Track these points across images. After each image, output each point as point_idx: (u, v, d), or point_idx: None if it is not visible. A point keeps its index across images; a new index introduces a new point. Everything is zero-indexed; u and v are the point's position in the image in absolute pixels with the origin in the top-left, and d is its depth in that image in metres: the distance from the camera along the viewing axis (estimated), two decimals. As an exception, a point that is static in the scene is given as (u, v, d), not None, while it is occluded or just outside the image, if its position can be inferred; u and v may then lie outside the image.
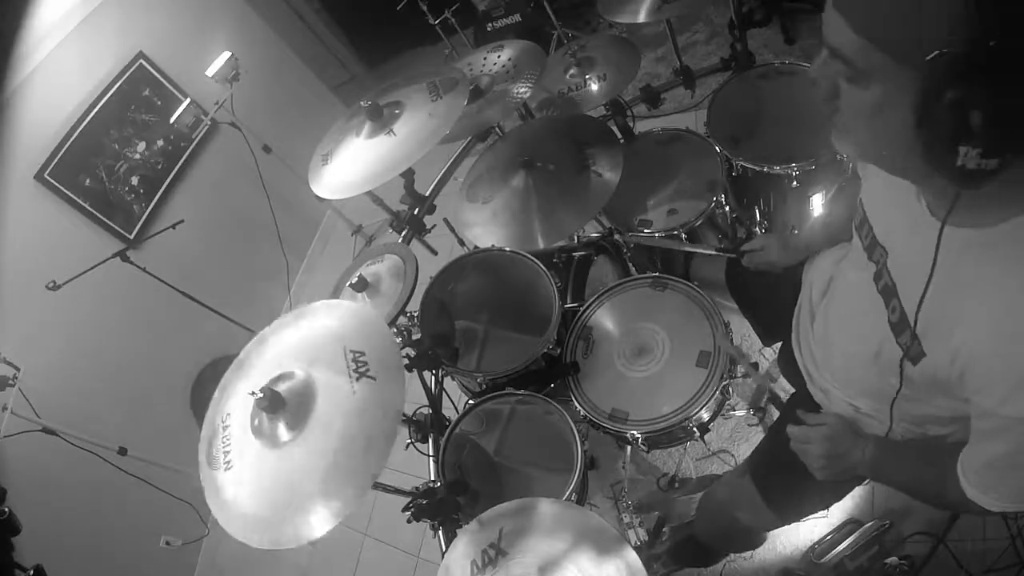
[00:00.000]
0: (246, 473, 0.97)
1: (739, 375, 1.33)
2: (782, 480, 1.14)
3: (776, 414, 1.58)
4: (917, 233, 0.71)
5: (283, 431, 0.96)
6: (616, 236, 1.63)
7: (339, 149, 1.48)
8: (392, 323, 1.45)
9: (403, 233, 1.78)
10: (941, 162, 0.54)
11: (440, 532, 1.26)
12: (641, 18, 1.62)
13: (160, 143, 2.94)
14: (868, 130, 0.62)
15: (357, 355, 0.98)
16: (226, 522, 0.93)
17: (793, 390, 1.28)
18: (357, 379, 0.95)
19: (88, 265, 2.33)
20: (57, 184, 2.52)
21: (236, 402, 1.05)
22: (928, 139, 0.54)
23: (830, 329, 0.99)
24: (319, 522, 0.86)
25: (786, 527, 1.24)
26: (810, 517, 1.64)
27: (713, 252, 1.43)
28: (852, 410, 0.97)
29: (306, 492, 0.90)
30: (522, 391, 1.37)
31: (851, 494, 1.65)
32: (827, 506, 1.22)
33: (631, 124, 1.89)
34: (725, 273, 1.40)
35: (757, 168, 1.56)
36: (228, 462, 0.99)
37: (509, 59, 1.76)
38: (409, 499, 1.20)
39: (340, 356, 0.99)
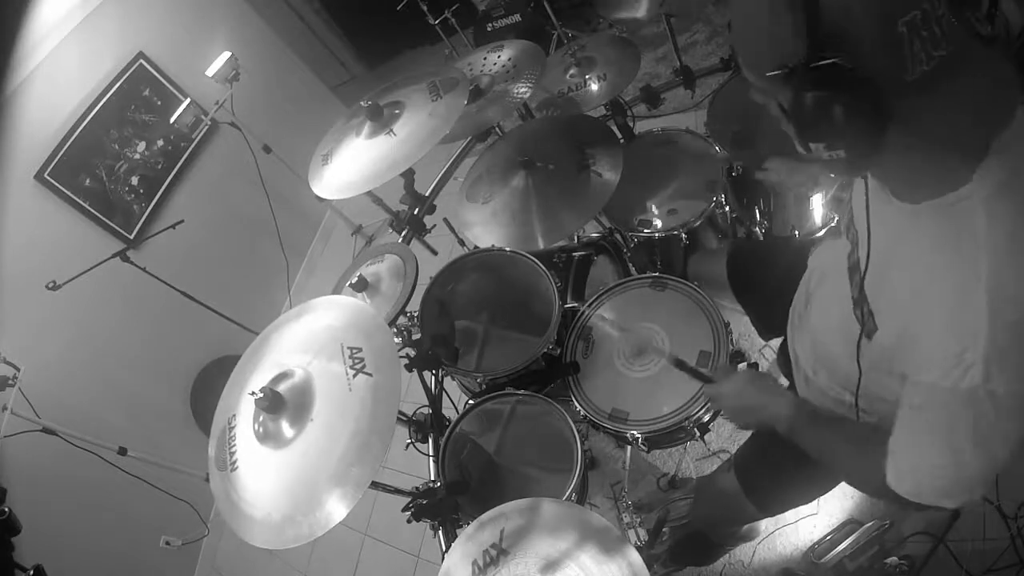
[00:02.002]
0: (251, 473, 0.97)
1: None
2: (764, 474, 1.17)
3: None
4: (882, 214, 0.75)
5: (286, 429, 0.96)
6: (616, 236, 1.63)
7: (339, 149, 1.48)
8: (392, 323, 1.46)
9: (403, 233, 1.78)
10: (813, 157, 0.65)
11: (440, 532, 1.27)
12: (641, 13, 1.62)
13: (160, 143, 2.94)
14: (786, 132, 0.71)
15: (354, 351, 0.98)
16: (233, 522, 0.94)
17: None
18: (354, 375, 0.95)
19: (88, 265, 2.33)
20: (57, 184, 2.52)
21: (241, 403, 1.06)
22: (796, 136, 0.65)
23: (813, 310, 1.01)
24: (320, 521, 0.86)
25: (786, 528, 1.24)
26: (801, 515, 1.65)
27: None
28: (829, 400, 0.98)
29: (308, 490, 0.90)
30: (522, 391, 1.37)
31: (851, 494, 1.66)
32: (810, 500, 1.24)
33: (631, 124, 1.89)
34: (727, 266, 1.41)
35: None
36: (234, 463, 0.99)
37: (509, 59, 1.76)
38: (409, 499, 1.20)
39: (338, 353, 0.99)
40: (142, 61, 2.83)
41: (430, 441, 1.48)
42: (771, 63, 0.63)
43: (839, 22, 0.57)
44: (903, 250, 0.71)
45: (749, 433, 1.85)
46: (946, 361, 0.62)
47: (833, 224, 1.67)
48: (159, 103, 2.91)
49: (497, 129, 1.87)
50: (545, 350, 1.40)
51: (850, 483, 0.94)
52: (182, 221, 2.71)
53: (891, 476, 0.72)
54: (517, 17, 3.45)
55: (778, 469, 1.13)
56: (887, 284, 0.74)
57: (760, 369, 1.68)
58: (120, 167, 2.77)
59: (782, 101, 0.65)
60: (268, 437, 0.98)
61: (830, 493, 1.18)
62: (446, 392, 1.63)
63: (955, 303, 0.62)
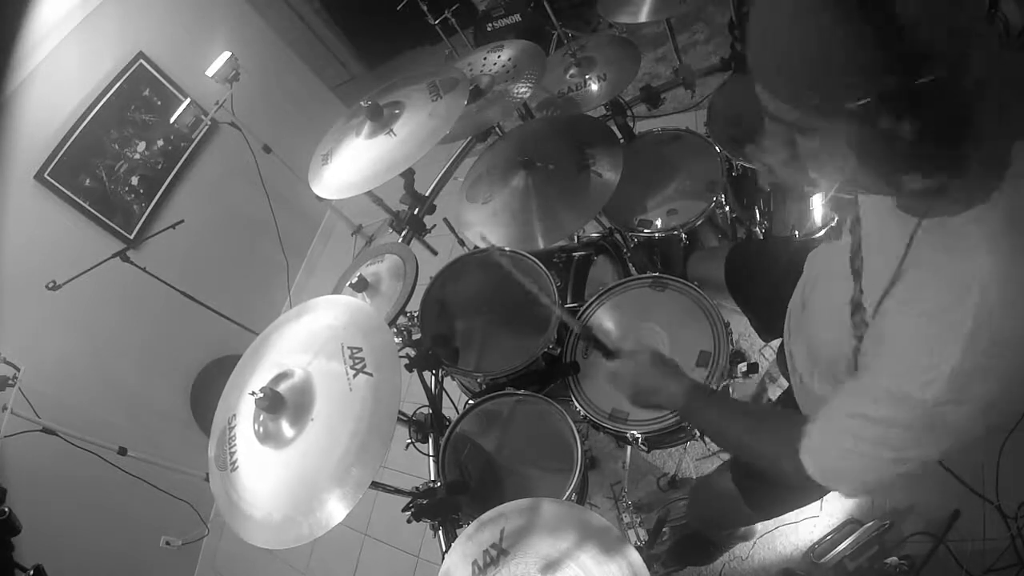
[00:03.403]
0: (251, 473, 0.98)
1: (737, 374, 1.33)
2: (759, 476, 1.14)
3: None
4: (884, 221, 0.73)
5: (286, 429, 0.96)
6: (616, 236, 1.63)
7: (339, 149, 1.48)
8: (392, 323, 1.45)
9: (403, 233, 1.78)
10: (898, 189, 0.60)
11: (440, 532, 1.26)
12: (641, 18, 1.62)
13: (160, 143, 2.94)
14: (830, 168, 0.66)
15: (354, 351, 0.98)
16: (233, 522, 0.94)
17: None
18: (354, 375, 0.95)
19: (88, 265, 2.33)
20: (57, 184, 2.52)
21: (241, 403, 1.06)
22: (876, 172, 0.60)
23: (811, 310, 1.01)
24: (320, 521, 0.86)
25: (786, 528, 1.24)
26: (802, 515, 1.65)
27: None
28: (823, 403, 0.98)
29: (308, 490, 0.90)
30: (522, 391, 1.37)
31: (851, 494, 1.66)
32: (806, 503, 1.24)
33: (631, 124, 1.89)
34: (725, 268, 1.41)
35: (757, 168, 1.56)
36: (234, 463, 0.99)
37: (509, 59, 1.76)
38: (409, 499, 1.20)
39: (338, 353, 0.99)
40: (142, 61, 2.83)
41: (430, 441, 1.48)
42: (848, 95, 0.55)
43: (924, 32, 0.51)
44: (893, 258, 0.69)
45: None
46: (912, 369, 0.63)
47: (833, 224, 1.67)
48: (159, 103, 2.91)
49: (497, 129, 1.87)
50: (545, 350, 1.40)
51: (744, 458, 0.97)
52: (182, 221, 2.71)
53: (803, 451, 0.74)
54: (517, 17, 3.45)
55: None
56: (879, 291, 0.72)
57: (760, 369, 1.68)
58: (120, 167, 2.77)
59: (835, 142, 0.58)
60: (268, 437, 0.98)
61: (831, 493, 1.18)
62: (446, 392, 1.63)
63: (939, 319, 0.61)
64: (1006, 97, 0.57)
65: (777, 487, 1.15)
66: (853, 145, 0.59)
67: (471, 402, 1.42)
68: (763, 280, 1.30)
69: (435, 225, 1.83)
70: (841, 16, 0.52)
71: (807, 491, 1.18)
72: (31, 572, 1.21)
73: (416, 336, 1.55)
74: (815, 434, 0.74)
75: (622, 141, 1.75)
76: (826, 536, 1.62)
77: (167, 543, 2.50)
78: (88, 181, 2.65)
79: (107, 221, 2.71)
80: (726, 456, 1.87)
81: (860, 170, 0.61)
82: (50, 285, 2.20)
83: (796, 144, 0.67)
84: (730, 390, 1.29)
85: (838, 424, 0.72)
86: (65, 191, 2.55)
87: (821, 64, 0.56)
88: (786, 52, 0.59)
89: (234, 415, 1.06)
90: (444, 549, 1.20)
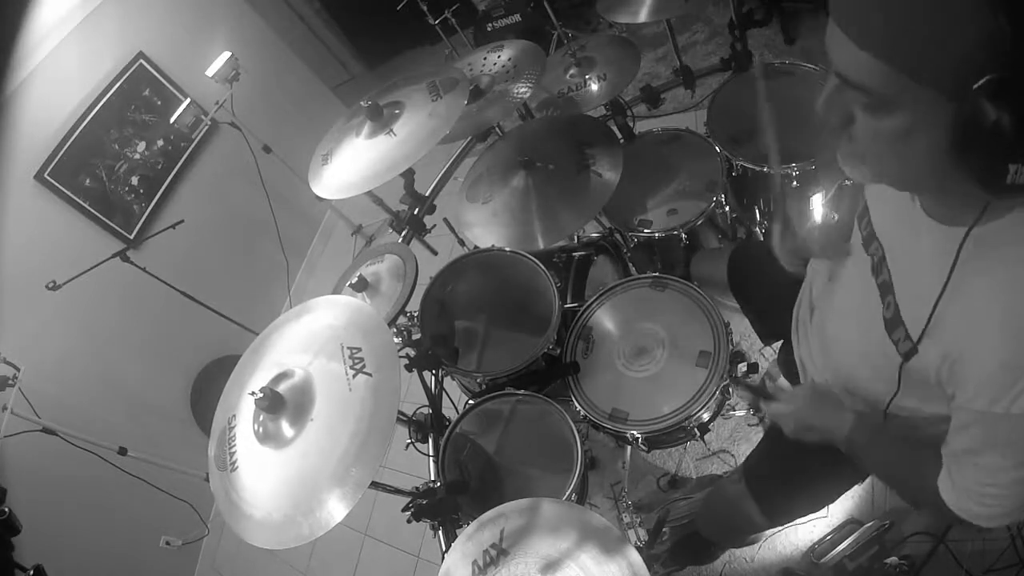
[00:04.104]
0: (251, 473, 0.98)
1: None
2: (775, 485, 1.16)
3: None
4: (916, 232, 0.71)
5: (286, 429, 0.96)
6: (616, 236, 1.63)
7: (339, 149, 1.48)
8: (392, 323, 1.46)
9: (403, 233, 1.78)
10: (989, 181, 0.52)
11: (440, 532, 1.27)
12: (641, 18, 1.62)
13: (160, 143, 2.94)
14: (892, 155, 0.60)
15: (354, 351, 0.98)
16: (233, 522, 0.94)
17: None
18: (354, 375, 0.95)
19: (88, 265, 2.33)
20: (57, 184, 2.52)
21: (241, 403, 1.06)
22: (972, 161, 0.53)
23: (828, 322, 0.99)
24: (320, 521, 0.86)
25: (786, 528, 1.24)
26: (810, 517, 1.65)
27: None
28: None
29: (308, 490, 0.90)
30: (522, 391, 1.37)
31: (851, 494, 1.66)
32: (818, 509, 1.23)
33: (631, 124, 1.89)
34: (727, 269, 1.40)
35: (757, 168, 1.56)
36: (234, 463, 0.99)
37: (509, 59, 1.76)
38: (409, 499, 1.20)
39: (338, 353, 0.99)
40: (142, 61, 2.83)
41: (430, 441, 1.48)
42: (967, 69, 0.48)
43: None
44: (936, 270, 0.66)
45: (749, 433, 1.87)
46: (998, 387, 0.61)
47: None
48: (159, 103, 2.91)
49: (497, 129, 1.87)
50: (545, 350, 1.40)
51: (903, 498, 0.92)
52: (182, 221, 2.71)
53: (943, 491, 0.73)
54: (517, 17, 3.45)
55: (790, 479, 1.12)
56: (921, 305, 0.69)
57: (760, 369, 1.68)
58: (120, 167, 2.77)
59: (969, 116, 0.50)
60: (268, 437, 0.98)
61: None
62: (446, 392, 1.63)
63: (1013, 330, 0.59)
64: None
65: (793, 496, 1.14)
66: (948, 129, 0.52)
67: (471, 402, 1.42)
68: (766, 281, 1.30)
69: (435, 225, 1.83)
70: None
71: (822, 500, 1.18)
72: (31, 572, 1.21)
73: (416, 336, 1.54)
74: (947, 480, 0.73)
75: (622, 141, 1.75)
76: (826, 536, 1.62)
77: (167, 543, 2.50)
78: (88, 181, 2.64)
79: (107, 221, 2.71)
80: (726, 456, 1.87)
81: (943, 159, 0.54)
82: (50, 285, 2.20)
83: (852, 123, 0.60)
84: (730, 390, 1.29)
85: (959, 469, 0.71)
86: (65, 191, 2.55)
87: (950, 26, 0.47)
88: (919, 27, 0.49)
89: (234, 415, 1.06)
90: (444, 549, 1.20)
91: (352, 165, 1.42)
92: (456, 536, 1.08)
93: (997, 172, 0.51)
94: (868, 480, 1.23)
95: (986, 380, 0.62)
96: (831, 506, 1.67)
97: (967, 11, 0.47)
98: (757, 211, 1.76)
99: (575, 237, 1.86)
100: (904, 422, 0.84)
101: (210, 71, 2.86)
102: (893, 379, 0.77)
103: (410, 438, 1.49)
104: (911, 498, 0.87)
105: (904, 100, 0.53)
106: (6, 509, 1.18)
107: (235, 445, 1.02)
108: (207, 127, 3.07)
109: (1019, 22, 0.45)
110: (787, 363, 1.23)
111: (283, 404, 0.97)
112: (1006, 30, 0.46)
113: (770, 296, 1.28)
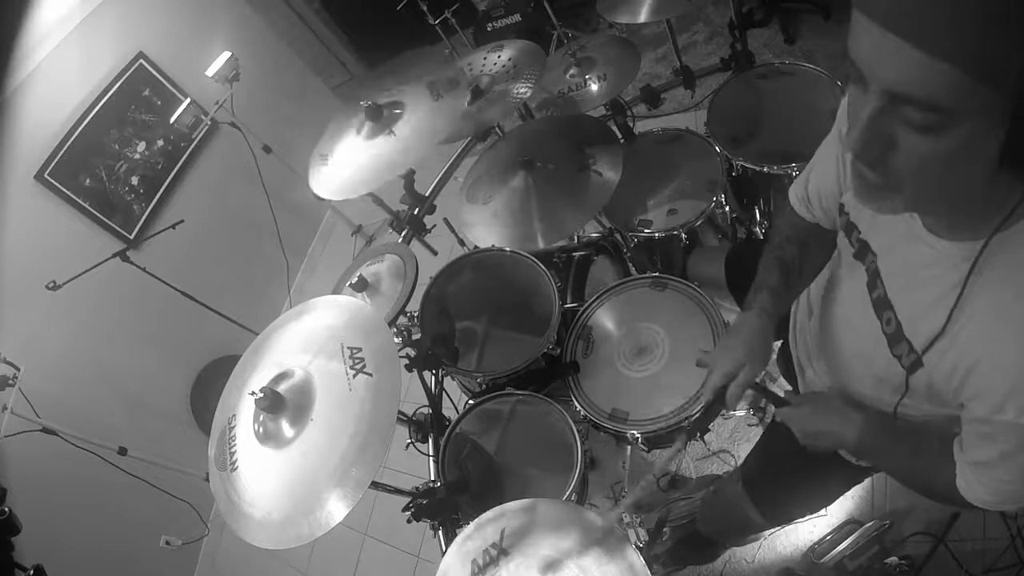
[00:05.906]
0: (251, 474, 0.98)
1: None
2: (772, 485, 1.16)
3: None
4: (914, 246, 0.69)
5: (286, 429, 0.96)
6: (616, 236, 1.63)
7: (339, 149, 1.48)
8: (392, 323, 1.45)
9: (403, 233, 1.78)
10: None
11: (440, 532, 1.27)
12: (641, 18, 1.62)
13: (160, 143, 2.94)
14: (937, 178, 0.53)
15: (354, 351, 0.98)
16: (233, 522, 0.94)
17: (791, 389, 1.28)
18: (354, 375, 0.95)
19: (88, 265, 2.33)
20: (57, 184, 2.52)
21: (241, 403, 1.06)
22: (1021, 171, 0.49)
23: (829, 331, 0.98)
24: (320, 521, 0.86)
25: (787, 527, 1.24)
26: (809, 517, 1.65)
27: None
28: None
29: (308, 490, 0.90)
30: (522, 391, 1.37)
31: (851, 495, 1.66)
32: (817, 510, 1.23)
33: (631, 124, 1.89)
34: (725, 267, 1.40)
35: (757, 168, 1.56)
36: (234, 463, 0.99)
37: (509, 59, 1.76)
38: (409, 499, 1.20)
39: (338, 353, 0.99)
40: (142, 61, 2.83)
41: (430, 441, 1.48)
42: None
43: None
44: (940, 283, 0.65)
45: (749, 433, 1.87)
46: (1019, 397, 0.60)
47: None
48: (159, 103, 2.91)
49: (497, 129, 1.87)
50: (545, 350, 1.40)
51: (926, 494, 0.90)
52: (182, 221, 2.71)
53: (962, 486, 0.73)
54: (517, 17, 3.45)
55: (786, 481, 1.13)
56: (926, 320, 0.68)
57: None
58: (120, 167, 2.77)
59: (981, 139, 0.47)
60: (268, 437, 0.98)
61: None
62: (446, 392, 1.63)
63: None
64: None
65: (790, 496, 1.15)
66: (1003, 134, 0.47)
67: (471, 402, 1.42)
68: None
69: (435, 225, 1.83)
70: None
71: (820, 500, 1.18)
72: (31, 572, 1.21)
73: (416, 336, 1.54)
74: (962, 480, 0.74)
75: (622, 141, 1.75)
76: (826, 536, 1.62)
77: (167, 543, 2.50)
78: (88, 181, 2.65)
79: (107, 221, 2.71)
80: (726, 456, 1.87)
81: (989, 170, 0.50)
82: (50, 285, 2.20)
83: (893, 148, 0.52)
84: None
85: (980, 474, 0.71)
86: (65, 191, 2.55)
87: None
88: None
89: (234, 415, 1.06)
90: (444, 549, 1.20)
91: (352, 165, 1.42)
92: (456, 536, 1.08)
93: None
94: (868, 480, 1.23)
95: (1011, 389, 0.60)
96: (831, 506, 1.66)
97: None
98: (757, 211, 1.76)
99: (575, 237, 1.86)
100: (914, 419, 0.84)
101: (210, 71, 2.86)
102: (899, 386, 0.77)
103: (410, 438, 1.49)
104: (925, 491, 0.87)
105: (967, 111, 0.46)
106: (6, 509, 1.18)
107: (235, 445, 1.02)
108: (207, 127, 3.07)
109: None
110: (786, 362, 1.23)
111: (283, 404, 0.97)
112: None
113: None
